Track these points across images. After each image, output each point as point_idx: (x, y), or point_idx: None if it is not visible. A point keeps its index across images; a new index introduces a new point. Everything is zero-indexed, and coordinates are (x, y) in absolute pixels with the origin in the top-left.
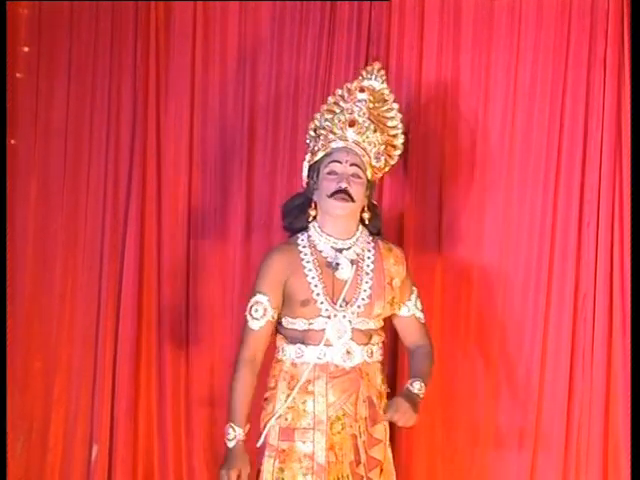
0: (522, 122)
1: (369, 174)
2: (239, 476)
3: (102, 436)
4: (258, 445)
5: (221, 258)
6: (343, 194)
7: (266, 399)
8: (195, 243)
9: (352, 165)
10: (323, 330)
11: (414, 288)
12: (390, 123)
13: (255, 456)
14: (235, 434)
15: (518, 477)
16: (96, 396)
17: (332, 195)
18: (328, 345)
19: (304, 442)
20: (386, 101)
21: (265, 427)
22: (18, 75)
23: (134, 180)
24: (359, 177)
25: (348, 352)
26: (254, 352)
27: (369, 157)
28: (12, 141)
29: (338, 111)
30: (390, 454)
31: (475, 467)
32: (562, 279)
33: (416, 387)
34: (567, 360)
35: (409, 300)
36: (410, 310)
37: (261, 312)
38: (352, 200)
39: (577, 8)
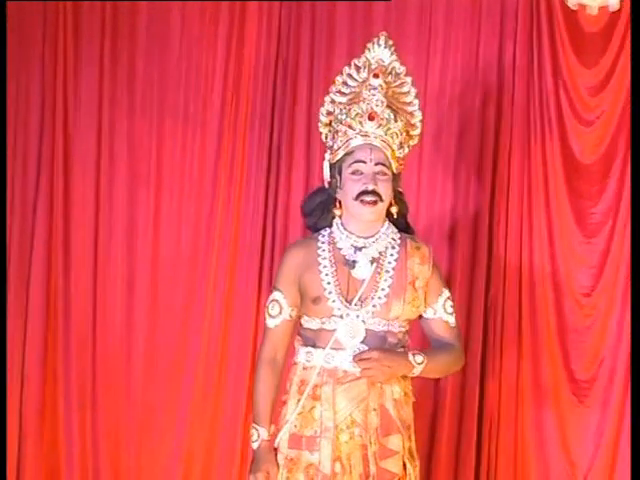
0: (431, 126)
1: (394, 167)
2: (267, 477)
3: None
4: (274, 447)
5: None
6: (371, 195)
7: (284, 402)
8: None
9: (377, 164)
10: (334, 331)
11: (444, 289)
12: (405, 99)
13: None
14: (259, 435)
15: None
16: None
17: (358, 197)
18: (337, 349)
19: (311, 451)
20: (398, 75)
21: (279, 432)
22: None
23: (41, 191)
24: (385, 174)
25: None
26: (274, 351)
27: (392, 150)
28: None
29: (348, 92)
30: (412, 469)
31: None
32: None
33: (417, 358)
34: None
35: (436, 302)
36: (437, 312)
37: (277, 310)
38: (381, 199)
39: (487, 8)
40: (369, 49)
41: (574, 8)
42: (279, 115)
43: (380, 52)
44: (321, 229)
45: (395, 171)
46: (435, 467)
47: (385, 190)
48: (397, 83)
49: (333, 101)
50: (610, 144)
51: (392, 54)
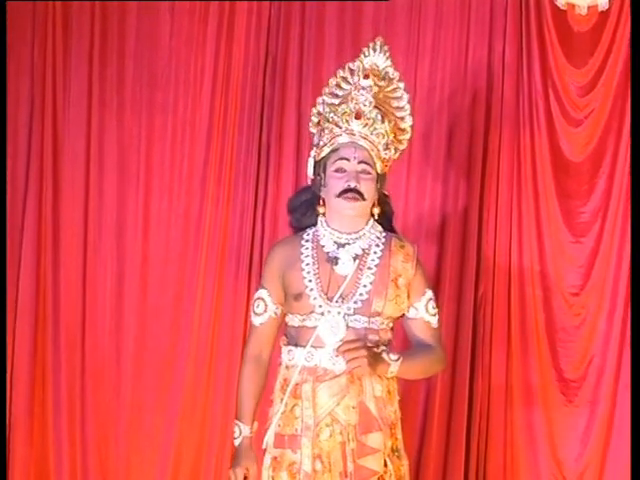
0: (420, 125)
1: (379, 168)
2: (246, 474)
3: None
4: (263, 448)
5: None
6: (353, 193)
7: (271, 402)
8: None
9: (360, 162)
10: (315, 328)
11: (427, 290)
12: (396, 104)
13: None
14: (240, 432)
15: None
16: None
17: (340, 194)
18: (317, 347)
19: (293, 449)
20: (391, 80)
21: (266, 432)
22: None
23: (30, 190)
24: (368, 173)
25: (337, 355)
26: (259, 349)
27: (377, 150)
28: None
29: (341, 94)
30: (395, 466)
31: None
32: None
33: (391, 356)
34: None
35: (419, 302)
36: (419, 312)
37: (262, 307)
38: (363, 198)
39: (476, 7)
40: (364, 54)
41: (563, 8)
42: (268, 114)
43: (375, 57)
44: (305, 227)
45: (379, 171)
46: (424, 466)
47: (367, 189)
48: (390, 88)
49: (324, 102)
50: (599, 144)
51: (387, 59)
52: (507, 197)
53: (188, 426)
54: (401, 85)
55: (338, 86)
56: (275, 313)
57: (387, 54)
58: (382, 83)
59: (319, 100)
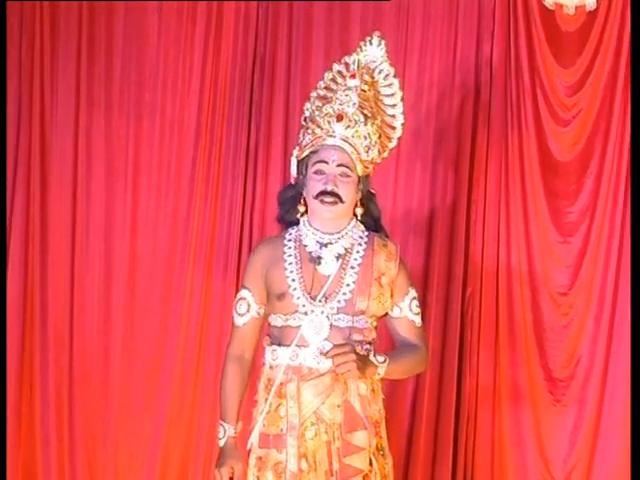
0: (409, 124)
1: (359, 170)
2: (232, 474)
3: None
4: (247, 449)
5: None
6: (330, 196)
7: (255, 402)
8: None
9: (339, 165)
10: (299, 327)
11: (411, 289)
12: (388, 101)
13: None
14: (225, 432)
15: None
16: None
17: (318, 196)
18: (301, 346)
19: (278, 449)
20: (387, 75)
21: (251, 432)
22: None
23: (18, 189)
24: (348, 176)
25: (322, 354)
26: (241, 349)
27: (358, 153)
28: None
29: (329, 95)
30: (379, 465)
31: None
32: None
33: (378, 358)
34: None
35: (402, 301)
36: (403, 311)
37: (245, 308)
38: (341, 201)
39: (464, 7)
40: (361, 48)
41: (551, 7)
42: (256, 114)
43: (372, 50)
44: (289, 222)
45: (360, 173)
46: (412, 465)
47: (346, 192)
48: (385, 83)
49: (313, 99)
50: (587, 143)
51: (384, 54)
52: (495, 197)
53: (176, 426)
54: (396, 82)
55: (334, 80)
56: (258, 313)
57: (384, 49)
58: (377, 77)
59: (312, 95)
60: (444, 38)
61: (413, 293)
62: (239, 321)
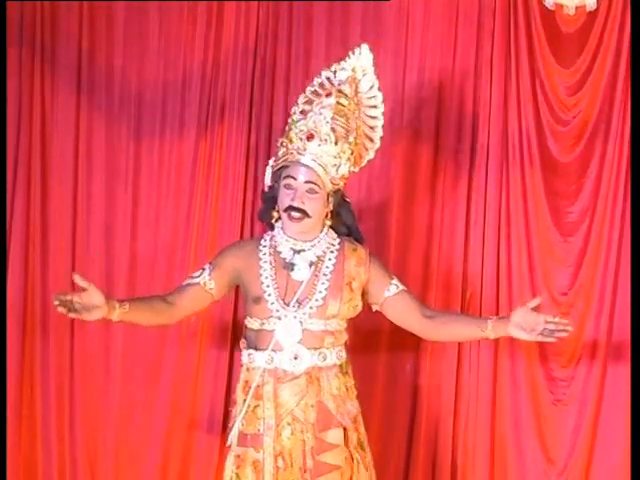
0: (408, 124)
1: (328, 187)
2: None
3: None
4: (227, 445)
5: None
6: (297, 212)
7: (234, 402)
8: None
9: (307, 182)
10: (273, 331)
11: (391, 279)
12: (370, 112)
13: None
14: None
15: None
16: None
17: (286, 210)
18: (277, 350)
19: (255, 448)
20: (371, 87)
21: (230, 431)
22: None
23: (18, 191)
24: (315, 192)
25: (296, 357)
26: (176, 297)
27: (327, 171)
28: None
29: (309, 109)
30: (361, 457)
31: None
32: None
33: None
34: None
35: (391, 284)
36: (399, 287)
37: (198, 274)
38: (308, 216)
39: (464, 7)
40: (349, 57)
41: (551, 8)
42: (257, 114)
43: (359, 62)
44: (267, 221)
45: (329, 190)
46: (413, 465)
47: (313, 207)
48: (369, 95)
49: (299, 108)
50: (587, 143)
51: (371, 65)
52: (495, 196)
53: (177, 424)
54: (379, 95)
55: (315, 93)
56: (204, 284)
57: (372, 61)
58: (362, 87)
59: (299, 99)
60: (444, 38)
61: (396, 280)
62: (186, 280)
